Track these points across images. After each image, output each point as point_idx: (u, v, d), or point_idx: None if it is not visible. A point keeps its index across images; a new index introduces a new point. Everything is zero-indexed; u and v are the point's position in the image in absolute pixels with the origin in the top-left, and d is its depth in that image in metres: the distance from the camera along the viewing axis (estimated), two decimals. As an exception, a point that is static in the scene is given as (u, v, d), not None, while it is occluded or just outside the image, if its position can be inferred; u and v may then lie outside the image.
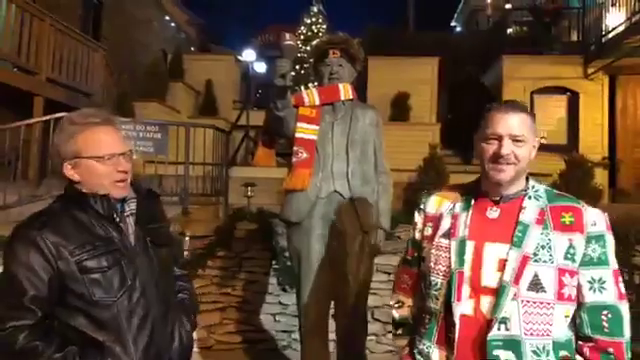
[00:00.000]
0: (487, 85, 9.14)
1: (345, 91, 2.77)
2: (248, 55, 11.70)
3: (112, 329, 1.38)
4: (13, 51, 6.73)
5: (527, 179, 1.37)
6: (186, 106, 9.72)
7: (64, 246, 1.37)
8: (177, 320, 1.57)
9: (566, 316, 1.25)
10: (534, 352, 1.20)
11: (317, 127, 2.71)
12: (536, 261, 1.24)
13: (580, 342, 1.27)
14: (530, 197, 1.33)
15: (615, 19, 7.91)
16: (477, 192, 1.39)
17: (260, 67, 12.84)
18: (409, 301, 1.53)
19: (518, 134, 1.29)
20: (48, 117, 5.81)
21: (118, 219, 1.47)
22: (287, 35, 2.57)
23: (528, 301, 1.22)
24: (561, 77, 8.63)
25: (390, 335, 4.05)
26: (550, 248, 1.25)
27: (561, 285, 1.23)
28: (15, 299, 1.34)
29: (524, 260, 1.24)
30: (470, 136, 1.42)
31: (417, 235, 1.51)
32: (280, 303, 4.12)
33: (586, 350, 1.26)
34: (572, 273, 1.25)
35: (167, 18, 14.86)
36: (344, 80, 2.79)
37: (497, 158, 1.29)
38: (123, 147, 1.47)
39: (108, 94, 8.65)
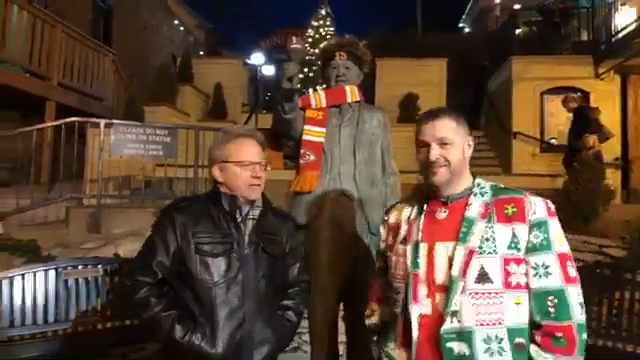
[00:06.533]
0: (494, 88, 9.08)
1: (352, 93, 2.77)
2: (256, 58, 11.76)
3: (207, 309, 1.61)
4: (25, 56, 6.83)
5: (474, 177, 1.43)
6: (195, 109, 9.78)
7: (190, 228, 1.64)
8: (270, 328, 1.71)
9: (517, 303, 1.28)
10: (484, 340, 1.24)
11: (324, 129, 2.71)
12: (481, 254, 1.28)
13: (533, 329, 1.28)
14: (476, 194, 1.38)
15: (625, 18, 7.84)
16: (429, 196, 1.45)
17: (268, 70, 12.88)
18: (379, 309, 1.61)
19: (441, 137, 1.38)
20: (60, 121, 5.89)
21: (240, 219, 1.71)
22: (294, 38, 2.57)
23: (476, 293, 1.26)
24: (571, 77, 8.56)
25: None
26: (494, 240, 1.29)
27: (507, 274, 1.28)
28: (146, 260, 1.65)
29: (470, 254, 1.28)
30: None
31: (382, 245, 1.62)
32: (289, 305, 4.12)
33: (537, 337, 1.27)
34: (518, 261, 1.29)
35: (176, 22, 14.99)
36: (351, 82, 2.79)
37: (429, 163, 1.38)
38: (260, 158, 1.73)
39: (118, 98, 8.74)
